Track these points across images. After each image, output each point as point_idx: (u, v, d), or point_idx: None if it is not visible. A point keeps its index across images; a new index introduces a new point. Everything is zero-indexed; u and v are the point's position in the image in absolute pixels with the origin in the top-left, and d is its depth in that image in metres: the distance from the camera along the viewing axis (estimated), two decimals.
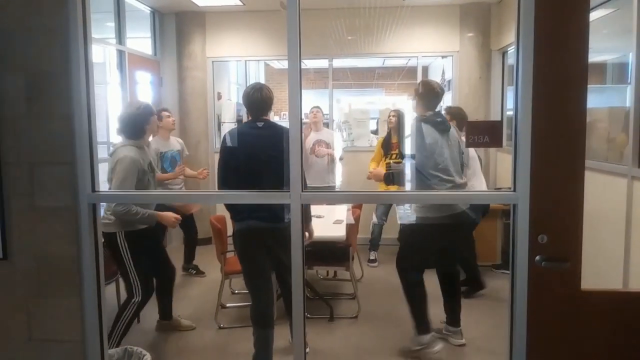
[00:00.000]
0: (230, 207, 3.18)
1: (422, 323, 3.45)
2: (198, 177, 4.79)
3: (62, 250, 2.02)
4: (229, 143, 3.14)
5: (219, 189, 3.16)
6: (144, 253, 3.42)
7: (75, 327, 2.06)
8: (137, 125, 3.36)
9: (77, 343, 2.06)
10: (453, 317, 3.67)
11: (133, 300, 3.35)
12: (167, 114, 4.80)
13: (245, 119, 5.13)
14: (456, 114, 4.14)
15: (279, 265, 3.22)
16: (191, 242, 5.14)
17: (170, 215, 3.46)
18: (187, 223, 4.91)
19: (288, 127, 1.98)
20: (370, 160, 5.45)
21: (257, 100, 3.09)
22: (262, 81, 9.81)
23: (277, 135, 3.04)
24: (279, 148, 2.96)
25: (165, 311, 3.87)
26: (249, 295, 3.28)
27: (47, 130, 1.98)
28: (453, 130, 3.49)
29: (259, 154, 3.06)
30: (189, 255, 5.15)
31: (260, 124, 3.10)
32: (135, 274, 3.34)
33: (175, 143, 4.87)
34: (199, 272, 5.14)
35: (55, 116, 1.97)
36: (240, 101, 7.36)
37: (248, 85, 3.28)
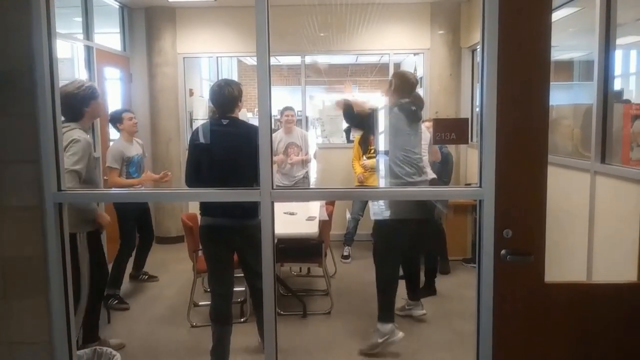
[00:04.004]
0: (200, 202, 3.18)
1: (388, 311, 3.54)
2: (161, 181, 4.52)
3: (28, 251, 1.98)
4: (195, 139, 3.12)
5: (186, 184, 3.11)
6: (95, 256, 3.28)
7: (42, 328, 2.02)
8: (74, 106, 3.08)
9: (44, 344, 2.03)
10: (414, 293, 3.99)
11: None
12: (128, 115, 4.50)
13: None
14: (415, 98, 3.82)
15: (245, 267, 3.24)
16: (145, 248, 4.82)
17: (106, 216, 3.33)
18: (145, 227, 4.72)
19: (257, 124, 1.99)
20: (352, 160, 5.49)
21: (222, 97, 3.07)
22: (235, 78, 9.74)
23: (241, 134, 3.04)
24: (242, 146, 2.97)
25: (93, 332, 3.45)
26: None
27: (11, 128, 1.94)
28: (422, 124, 3.58)
29: (222, 151, 3.06)
30: (140, 263, 4.85)
31: (225, 122, 3.08)
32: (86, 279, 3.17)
33: (137, 146, 4.58)
34: (151, 277, 4.93)
35: (18, 114, 1.93)
36: None
37: (215, 81, 3.23)
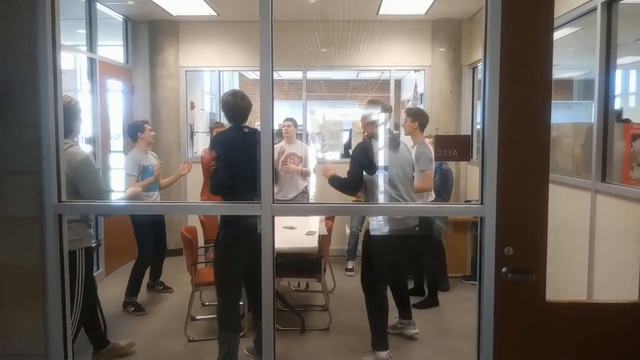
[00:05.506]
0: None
1: (382, 338, 3.53)
2: (182, 174, 4.68)
3: (26, 262, 1.97)
4: (222, 149, 3.14)
5: (222, 198, 3.14)
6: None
7: (38, 340, 2.00)
8: (65, 121, 3.01)
9: (40, 357, 2.01)
10: (405, 311, 3.90)
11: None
12: (149, 127, 4.70)
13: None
14: (416, 114, 3.95)
15: (254, 276, 3.21)
16: (160, 257, 4.88)
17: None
18: (158, 237, 4.77)
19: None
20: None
21: (242, 108, 3.18)
22: None
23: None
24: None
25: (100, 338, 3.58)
26: (219, 299, 3.28)
27: (13, 138, 1.94)
28: (403, 146, 3.60)
29: (251, 158, 3.08)
30: (156, 272, 4.91)
31: (246, 130, 3.17)
32: (81, 296, 3.08)
33: (152, 158, 4.70)
34: (166, 288, 4.97)
35: (21, 124, 1.93)
36: (214, 111, 7.34)
37: (227, 92, 3.33)
